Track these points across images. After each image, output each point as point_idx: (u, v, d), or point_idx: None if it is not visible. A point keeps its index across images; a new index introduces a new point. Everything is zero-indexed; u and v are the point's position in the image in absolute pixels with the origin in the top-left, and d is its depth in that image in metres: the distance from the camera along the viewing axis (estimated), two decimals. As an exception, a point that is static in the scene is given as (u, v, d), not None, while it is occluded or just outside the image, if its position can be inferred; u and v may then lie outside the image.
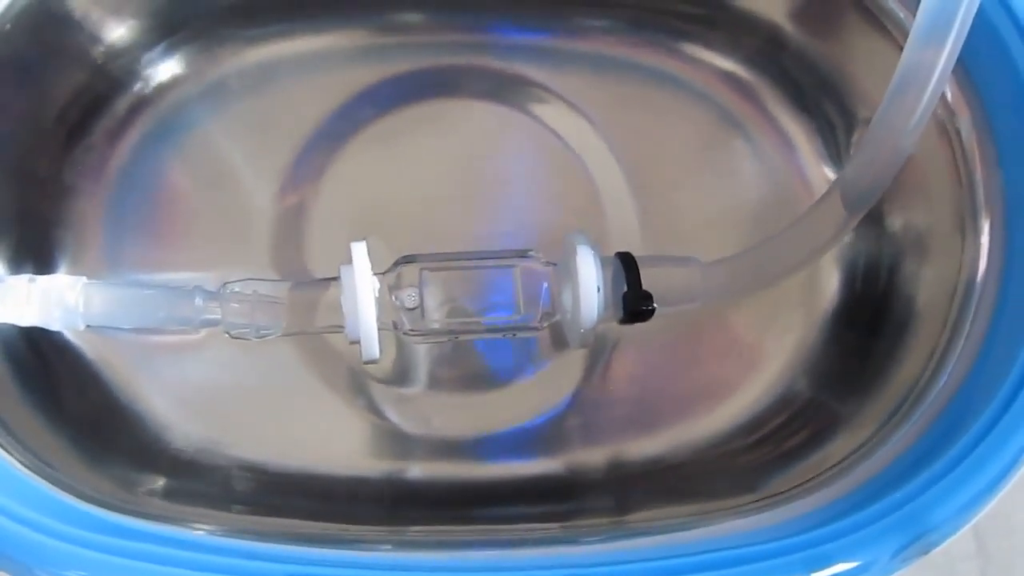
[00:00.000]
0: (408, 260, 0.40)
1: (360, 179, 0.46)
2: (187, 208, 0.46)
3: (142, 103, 0.46)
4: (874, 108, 0.36)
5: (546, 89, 0.48)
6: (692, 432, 0.44)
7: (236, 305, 0.38)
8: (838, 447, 0.40)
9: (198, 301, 0.37)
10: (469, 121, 0.47)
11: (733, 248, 0.41)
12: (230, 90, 0.47)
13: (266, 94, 0.47)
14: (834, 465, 0.39)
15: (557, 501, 0.43)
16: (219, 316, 0.38)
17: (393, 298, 0.39)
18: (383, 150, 0.46)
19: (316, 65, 0.48)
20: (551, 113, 0.48)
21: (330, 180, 0.46)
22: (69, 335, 0.43)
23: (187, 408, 0.43)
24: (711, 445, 0.44)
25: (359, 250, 0.37)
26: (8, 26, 0.41)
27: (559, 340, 0.44)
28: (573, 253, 0.39)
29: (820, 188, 0.46)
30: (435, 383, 0.44)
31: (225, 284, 0.38)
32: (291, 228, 0.45)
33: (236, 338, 0.38)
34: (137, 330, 0.43)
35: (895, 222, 0.44)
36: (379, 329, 0.38)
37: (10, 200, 0.43)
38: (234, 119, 0.47)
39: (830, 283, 0.46)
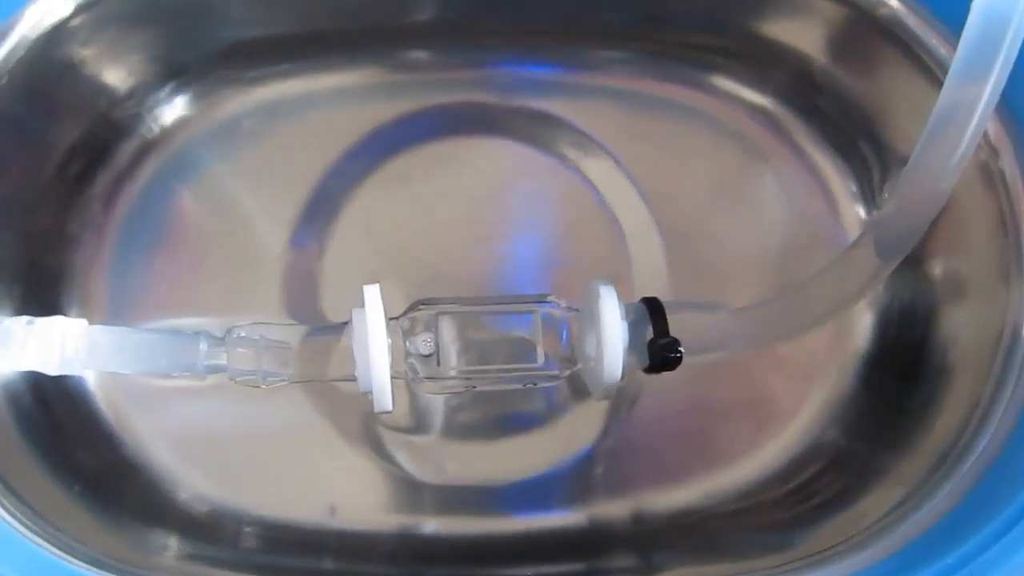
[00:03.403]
0: (424, 304, 0.39)
1: (374, 221, 0.45)
2: (196, 253, 0.45)
3: (147, 148, 0.46)
4: (911, 146, 0.35)
5: (566, 125, 0.47)
6: (720, 483, 0.43)
7: (242, 351, 0.37)
8: (876, 502, 0.39)
9: (202, 346, 0.36)
10: (485, 160, 0.47)
11: (762, 291, 0.41)
12: (238, 131, 0.46)
13: (276, 135, 0.46)
14: (874, 523, 0.37)
15: (580, 559, 0.42)
16: (225, 362, 0.36)
17: (407, 344, 0.38)
18: (397, 191, 0.46)
19: (326, 104, 0.47)
20: (571, 150, 0.47)
21: (343, 222, 0.45)
22: (78, 384, 0.43)
23: (196, 460, 0.43)
24: (740, 497, 0.43)
25: (372, 293, 0.36)
26: (4, 79, 0.40)
27: (580, 387, 0.43)
28: (596, 299, 0.37)
29: (853, 229, 0.46)
30: (451, 429, 0.43)
31: (231, 329, 0.37)
32: (303, 272, 0.45)
33: (243, 385, 0.37)
34: (143, 374, 0.42)
35: (933, 266, 0.43)
36: (393, 378, 0.36)
37: (14, 254, 0.43)
38: (243, 161, 0.46)
39: (863, 328, 0.45)
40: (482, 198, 0.46)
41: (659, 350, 0.37)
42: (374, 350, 0.35)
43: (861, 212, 0.46)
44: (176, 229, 0.45)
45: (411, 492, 0.43)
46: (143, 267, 0.44)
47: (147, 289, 0.44)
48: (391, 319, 0.38)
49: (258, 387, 0.37)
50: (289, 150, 0.46)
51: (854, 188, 0.46)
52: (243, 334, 0.37)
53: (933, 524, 0.35)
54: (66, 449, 0.41)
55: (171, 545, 0.40)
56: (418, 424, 0.43)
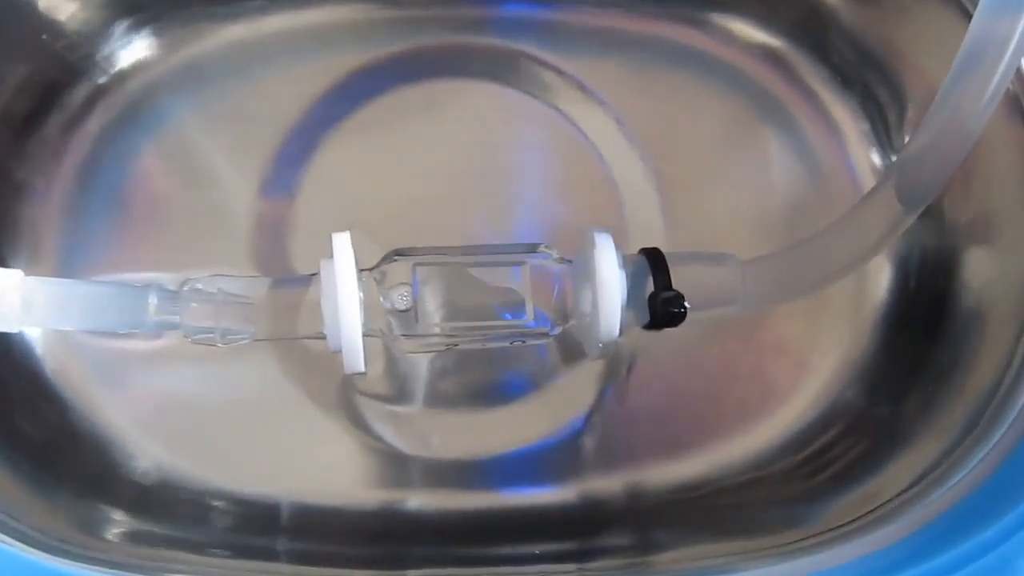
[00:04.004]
0: (400, 254, 0.37)
1: (349, 171, 0.44)
2: (157, 206, 0.43)
3: (102, 92, 0.44)
4: (929, 86, 0.36)
5: (557, 70, 0.45)
6: (727, 454, 0.41)
7: (198, 305, 0.35)
8: (899, 472, 0.37)
9: (153, 300, 0.34)
10: (470, 106, 0.45)
11: (769, 249, 0.38)
12: (203, 75, 0.45)
13: (244, 78, 0.45)
14: (897, 495, 0.35)
15: (573, 538, 0.40)
16: (178, 318, 0.35)
17: (382, 299, 0.36)
18: (375, 138, 0.44)
19: (300, 45, 0.45)
20: (562, 96, 0.45)
21: (316, 172, 0.44)
22: (20, 341, 0.41)
23: (154, 427, 0.41)
24: (750, 468, 0.41)
25: (342, 242, 0.34)
26: None
27: (572, 349, 0.41)
28: (592, 248, 0.36)
29: (867, 178, 0.45)
30: (435, 399, 0.42)
31: (186, 281, 0.35)
32: (273, 224, 0.43)
33: (200, 344, 0.35)
34: (91, 333, 0.41)
35: (955, 210, 0.42)
36: (366, 335, 0.35)
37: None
38: (208, 107, 0.44)
39: (880, 280, 0.43)
40: (467, 147, 0.44)
41: (661, 304, 0.36)
42: (343, 304, 0.34)
43: (876, 159, 0.45)
44: (136, 179, 0.43)
45: (392, 466, 0.42)
46: (99, 219, 0.43)
47: (103, 242, 0.43)
48: (363, 270, 0.36)
49: (215, 346, 0.35)
50: (259, 95, 0.45)
51: (869, 133, 0.45)
52: (200, 287, 0.35)
53: (965, 496, 0.33)
54: (3, 413, 0.39)
55: (122, 522, 0.39)
56: (399, 391, 0.42)
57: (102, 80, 0.44)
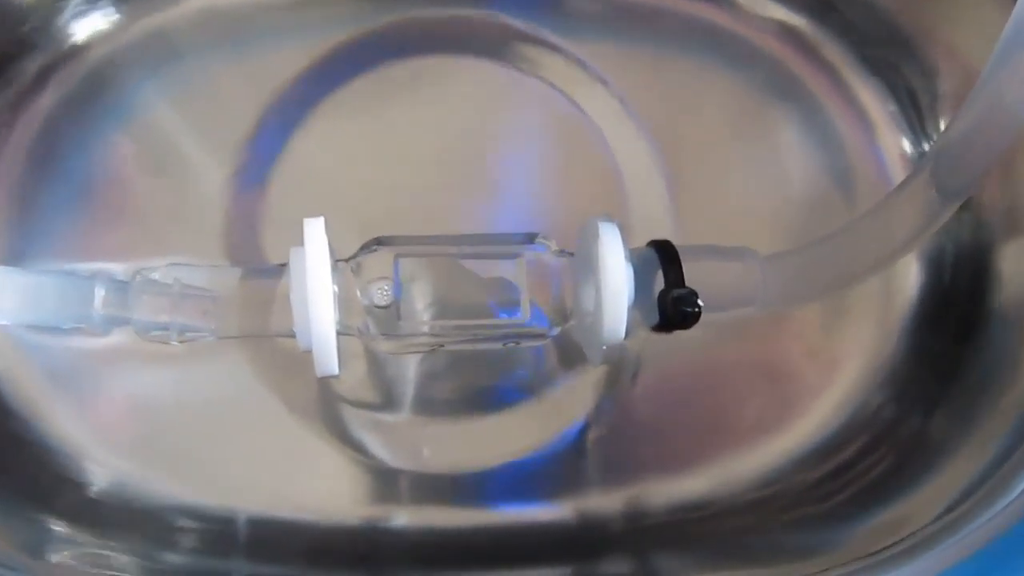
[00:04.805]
0: (381, 243, 0.35)
1: (330, 155, 0.42)
2: (118, 191, 0.42)
3: (56, 65, 0.42)
4: (963, 65, 0.35)
5: (555, 46, 0.44)
6: (738, 469, 0.40)
7: (150, 298, 0.32)
8: (934, 493, 0.35)
9: (100, 291, 0.32)
10: (460, 85, 0.44)
11: (786, 245, 0.37)
12: (169, 48, 0.43)
13: (215, 52, 0.43)
14: (933, 520, 0.33)
15: (567, 561, 0.39)
16: (128, 313, 0.32)
17: (360, 293, 0.34)
18: (358, 120, 0.43)
19: (276, 17, 0.44)
20: (561, 75, 0.44)
21: (294, 156, 0.42)
22: None
23: (110, 436, 0.39)
24: (762, 485, 0.39)
25: (314, 228, 0.32)
26: None
27: (571, 352, 0.40)
28: (595, 239, 0.34)
29: (896, 168, 0.43)
30: (423, 406, 0.40)
31: (140, 271, 0.33)
32: (247, 213, 0.41)
33: (155, 342, 0.34)
34: (37, 330, 0.39)
35: (992, 201, 0.40)
36: (342, 334, 0.33)
37: None
38: (175, 83, 0.43)
39: (909, 277, 0.42)
40: (457, 130, 0.43)
41: (673, 303, 0.34)
42: (315, 297, 0.31)
43: (906, 145, 0.43)
44: (95, 161, 0.42)
45: (375, 479, 0.40)
46: (53, 204, 0.41)
47: (57, 230, 0.41)
48: (340, 261, 0.34)
49: (169, 344, 0.33)
50: (232, 71, 0.43)
51: (897, 117, 0.44)
52: (155, 277, 0.33)
53: (1009, 527, 0.31)
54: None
55: (71, 542, 0.37)
56: (384, 397, 0.41)
57: (56, 53, 0.42)
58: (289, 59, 0.43)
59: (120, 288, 0.33)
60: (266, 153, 0.42)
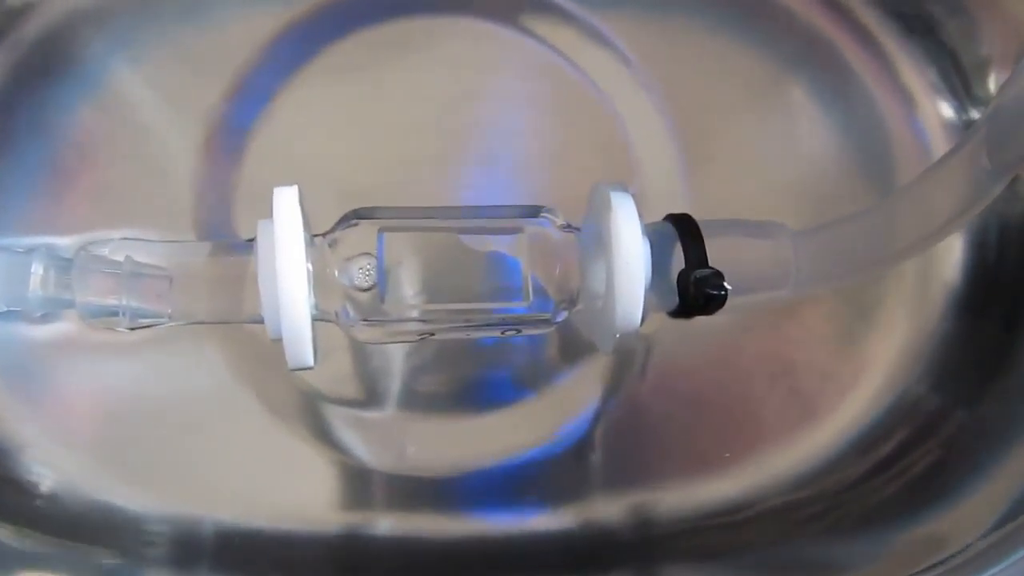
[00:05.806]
0: (361, 216, 0.33)
1: (309, 124, 0.41)
2: (80, 162, 0.40)
3: (9, 24, 0.41)
4: (1010, 20, 0.35)
5: (558, 7, 0.42)
6: (759, 471, 0.39)
7: (96, 277, 0.30)
8: (980, 504, 0.34)
9: (37, 269, 0.30)
10: (457, 47, 0.42)
11: (814, 223, 0.35)
12: (136, 7, 0.41)
13: (186, 13, 0.42)
14: (979, 538, 0.31)
15: (569, 573, 0.38)
16: (70, 294, 0.30)
17: (338, 273, 0.32)
18: (340, 86, 0.41)
19: None
20: (564, 37, 0.42)
21: (270, 125, 0.41)
22: None
23: (64, 434, 0.38)
24: (786, 489, 0.38)
25: (286, 197, 0.30)
26: None
27: (576, 340, 0.39)
28: (607, 211, 0.31)
29: (937, 137, 0.42)
30: (410, 401, 0.39)
31: (85, 246, 0.31)
32: (219, 186, 0.40)
33: (101, 329, 0.32)
34: None
35: None
36: (317, 320, 0.31)
37: None
38: (143, 46, 0.41)
39: (951, 257, 0.41)
40: (450, 97, 0.42)
41: (695, 285, 0.31)
42: (285, 277, 0.29)
43: (948, 112, 0.42)
44: (56, 129, 0.40)
45: (358, 482, 0.39)
46: (8, 176, 0.40)
47: (11, 205, 0.39)
48: (316, 236, 0.32)
49: (117, 331, 0.31)
50: (204, 32, 0.42)
51: (937, 82, 0.42)
52: (105, 252, 0.31)
53: None
54: None
55: (19, 555, 0.35)
56: (368, 392, 0.39)
57: (7, 9, 0.41)
58: (267, 19, 0.41)
59: (62, 266, 0.31)
60: (240, 121, 0.41)
